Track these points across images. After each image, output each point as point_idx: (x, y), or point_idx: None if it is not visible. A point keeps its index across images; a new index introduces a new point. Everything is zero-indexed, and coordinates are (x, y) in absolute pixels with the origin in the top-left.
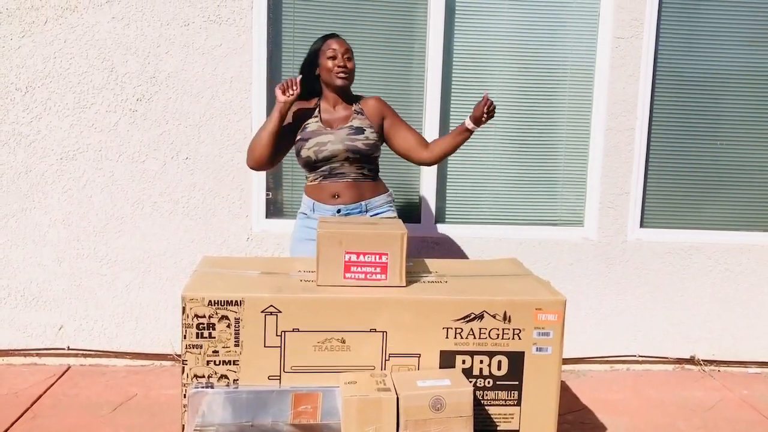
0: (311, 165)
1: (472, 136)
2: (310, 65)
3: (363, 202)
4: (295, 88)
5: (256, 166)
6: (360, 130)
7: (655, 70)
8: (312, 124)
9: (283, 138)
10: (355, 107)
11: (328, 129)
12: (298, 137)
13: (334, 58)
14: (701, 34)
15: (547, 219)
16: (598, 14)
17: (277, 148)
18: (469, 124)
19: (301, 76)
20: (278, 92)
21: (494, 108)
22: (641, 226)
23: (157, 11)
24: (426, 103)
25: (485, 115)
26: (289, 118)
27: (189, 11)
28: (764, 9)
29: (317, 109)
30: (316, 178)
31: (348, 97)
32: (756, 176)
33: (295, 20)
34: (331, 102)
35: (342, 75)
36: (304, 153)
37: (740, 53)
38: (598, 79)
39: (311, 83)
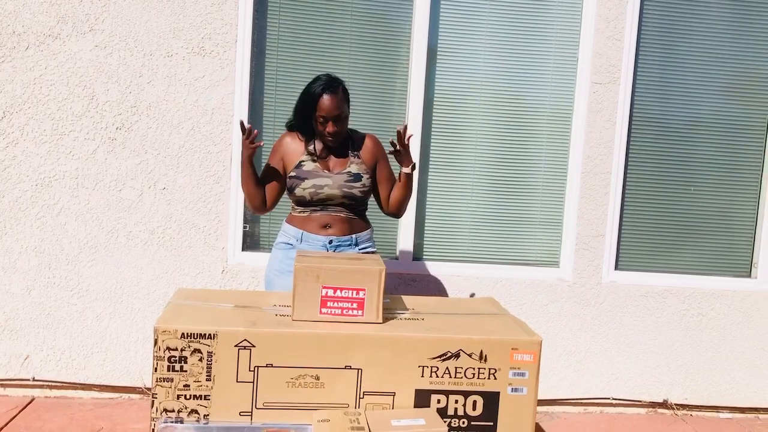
0: (304, 203)
1: (451, 174)
2: (305, 108)
3: (354, 236)
4: (257, 143)
5: (259, 212)
6: (358, 177)
7: (631, 116)
8: (308, 162)
9: (279, 177)
10: (351, 149)
11: (325, 171)
12: (293, 173)
13: (323, 124)
14: (676, 82)
15: (524, 259)
16: (576, 59)
17: (272, 188)
18: (404, 170)
19: (255, 131)
20: (244, 140)
21: (410, 137)
22: (616, 268)
23: (140, 41)
24: None
25: (403, 148)
26: (282, 154)
27: (173, 42)
28: (736, 60)
29: (313, 146)
30: (305, 211)
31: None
32: (729, 222)
33: (278, 55)
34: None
35: (330, 140)
36: (298, 192)
37: (713, 101)
38: (575, 122)
39: (308, 120)
